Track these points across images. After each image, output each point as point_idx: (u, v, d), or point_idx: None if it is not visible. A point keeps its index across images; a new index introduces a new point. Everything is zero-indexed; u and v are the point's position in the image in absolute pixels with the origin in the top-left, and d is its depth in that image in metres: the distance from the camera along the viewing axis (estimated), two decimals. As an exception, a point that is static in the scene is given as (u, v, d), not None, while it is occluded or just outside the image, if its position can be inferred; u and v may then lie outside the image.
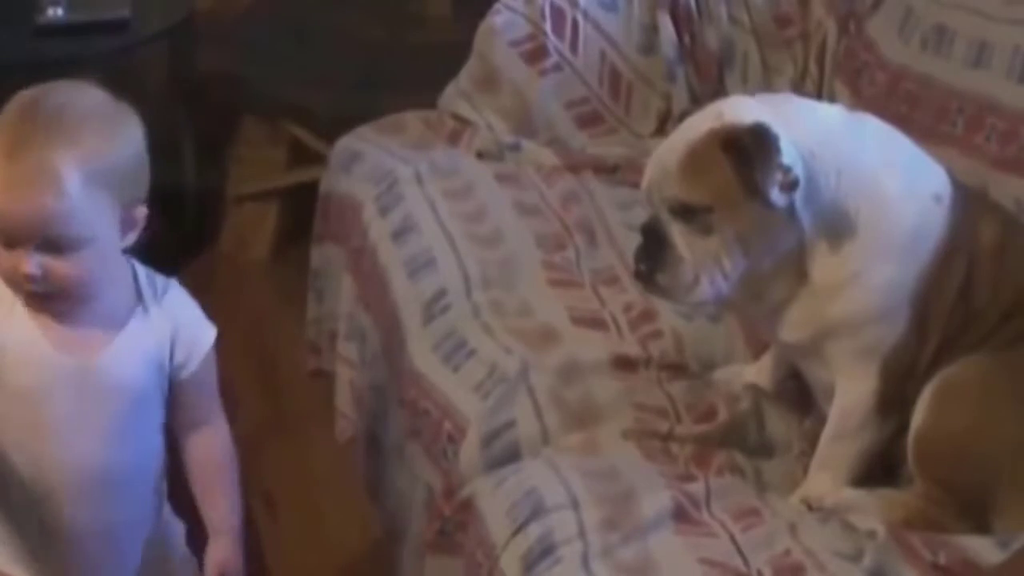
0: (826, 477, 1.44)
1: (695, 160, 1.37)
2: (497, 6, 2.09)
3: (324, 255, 2.08)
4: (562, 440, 1.49)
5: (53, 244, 1.26)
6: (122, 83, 2.72)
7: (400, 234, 1.86)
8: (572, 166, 2.01)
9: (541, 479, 1.41)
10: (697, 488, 1.40)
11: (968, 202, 1.45)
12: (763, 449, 1.52)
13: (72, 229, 1.25)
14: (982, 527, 1.37)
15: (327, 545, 1.97)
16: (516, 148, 2.04)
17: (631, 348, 1.60)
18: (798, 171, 1.35)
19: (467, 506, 1.47)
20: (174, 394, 1.39)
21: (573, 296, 1.70)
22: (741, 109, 1.41)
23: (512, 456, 1.49)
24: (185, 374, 1.39)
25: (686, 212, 1.37)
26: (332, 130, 2.19)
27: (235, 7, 2.72)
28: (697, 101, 2.12)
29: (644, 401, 1.53)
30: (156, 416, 1.40)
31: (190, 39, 2.60)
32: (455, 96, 2.12)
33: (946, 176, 1.46)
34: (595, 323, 1.65)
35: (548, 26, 2.07)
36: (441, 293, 1.73)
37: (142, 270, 1.38)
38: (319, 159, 2.31)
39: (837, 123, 1.43)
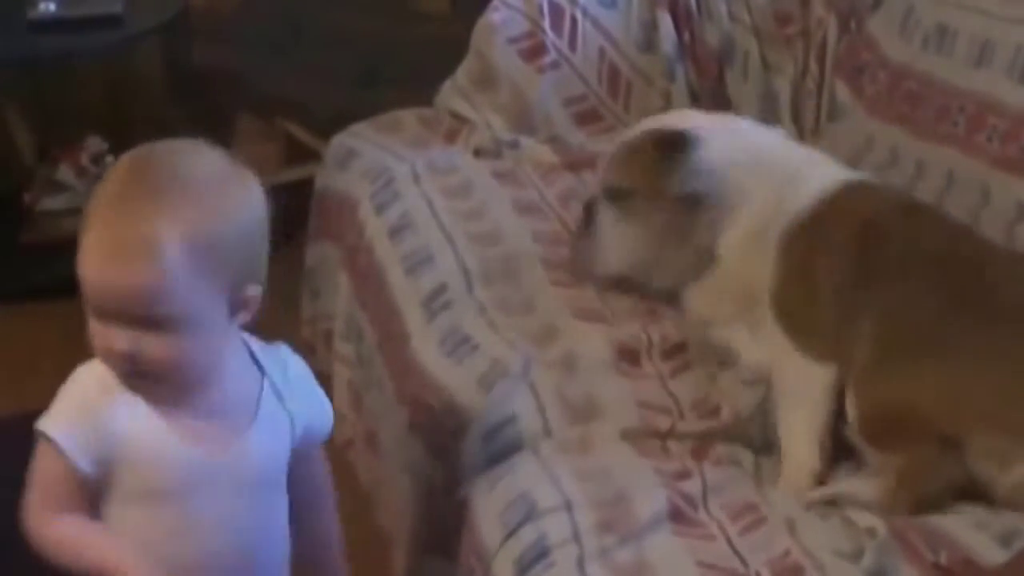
0: (800, 452, 1.46)
1: (628, 152, 1.64)
2: (495, 3, 2.08)
3: (319, 253, 2.07)
4: (562, 436, 1.49)
5: (148, 322, 1.14)
6: (115, 79, 2.74)
7: (397, 231, 1.85)
8: (571, 164, 2.00)
9: (533, 481, 1.41)
10: (693, 486, 1.40)
11: (861, 191, 1.59)
12: (767, 447, 1.51)
13: (168, 308, 1.14)
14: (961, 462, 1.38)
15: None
16: (514, 146, 2.04)
17: (632, 340, 1.60)
18: (712, 173, 1.57)
19: (460, 508, 1.46)
20: None
21: (573, 294, 1.70)
22: (683, 118, 1.68)
23: (514, 452, 1.48)
24: (328, 429, 1.36)
25: (614, 195, 1.62)
26: (328, 127, 2.19)
27: (230, 2, 2.71)
28: (697, 99, 2.12)
29: (647, 399, 1.53)
30: (286, 498, 1.32)
31: (184, 34, 2.60)
32: (453, 93, 2.12)
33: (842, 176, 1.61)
34: (597, 318, 1.65)
35: (547, 23, 2.07)
36: (441, 289, 1.72)
37: (255, 344, 1.28)
38: (314, 156, 2.30)
39: (768, 141, 1.65)
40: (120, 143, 2.65)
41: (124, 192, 1.16)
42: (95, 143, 2.65)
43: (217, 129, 2.72)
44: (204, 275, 1.15)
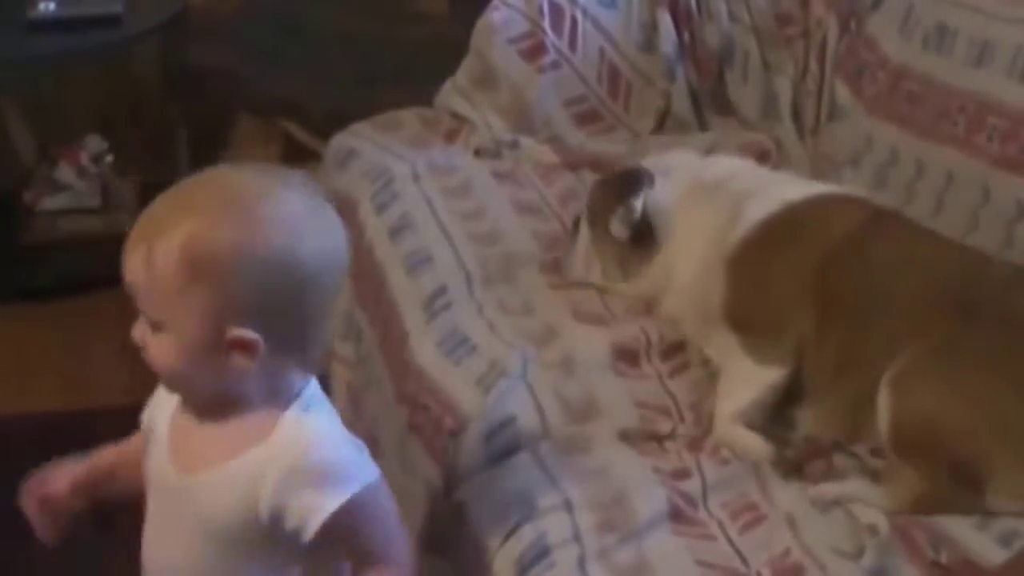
0: (721, 427, 1.49)
1: (602, 182, 1.78)
2: (495, 3, 2.08)
3: (319, 253, 2.07)
4: (561, 436, 1.49)
5: (146, 318, 1.14)
6: (114, 79, 2.74)
7: (397, 231, 1.85)
8: (570, 164, 2.01)
9: (532, 481, 1.41)
10: (693, 485, 1.40)
11: (816, 207, 1.62)
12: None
13: (153, 308, 1.12)
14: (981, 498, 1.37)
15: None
16: (514, 146, 2.04)
17: (631, 341, 1.60)
18: (661, 212, 1.68)
19: (460, 509, 1.46)
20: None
21: (572, 296, 1.70)
22: (657, 159, 1.77)
23: (513, 452, 1.48)
24: (306, 539, 1.16)
25: (588, 217, 1.74)
26: (327, 127, 2.19)
27: (229, 3, 2.71)
28: (697, 100, 2.12)
29: (645, 399, 1.54)
30: (260, 564, 1.19)
31: (183, 35, 2.59)
32: (452, 93, 2.12)
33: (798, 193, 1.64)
34: (595, 320, 1.65)
35: (547, 23, 2.07)
36: (441, 290, 1.72)
37: (306, 399, 1.19)
38: (314, 156, 2.30)
39: (724, 175, 1.70)
40: (120, 143, 2.66)
41: (172, 192, 1.15)
42: (95, 143, 2.65)
43: (217, 129, 2.72)
44: (198, 291, 1.11)
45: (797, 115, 2.12)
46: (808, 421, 1.52)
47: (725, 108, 2.16)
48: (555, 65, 2.07)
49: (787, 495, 1.40)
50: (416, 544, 1.59)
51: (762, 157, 2.01)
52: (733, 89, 2.15)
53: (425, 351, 1.64)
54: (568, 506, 1.36)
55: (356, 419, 1.86)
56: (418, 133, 2.07)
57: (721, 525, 1.35)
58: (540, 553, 1.31)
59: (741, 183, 1.68)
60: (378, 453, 1.76)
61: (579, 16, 2.09)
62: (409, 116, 2.11)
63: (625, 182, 1.71)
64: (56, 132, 2.67)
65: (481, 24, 2.09)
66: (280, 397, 1.17)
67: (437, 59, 2.18)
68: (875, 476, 1.43)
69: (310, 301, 1.15)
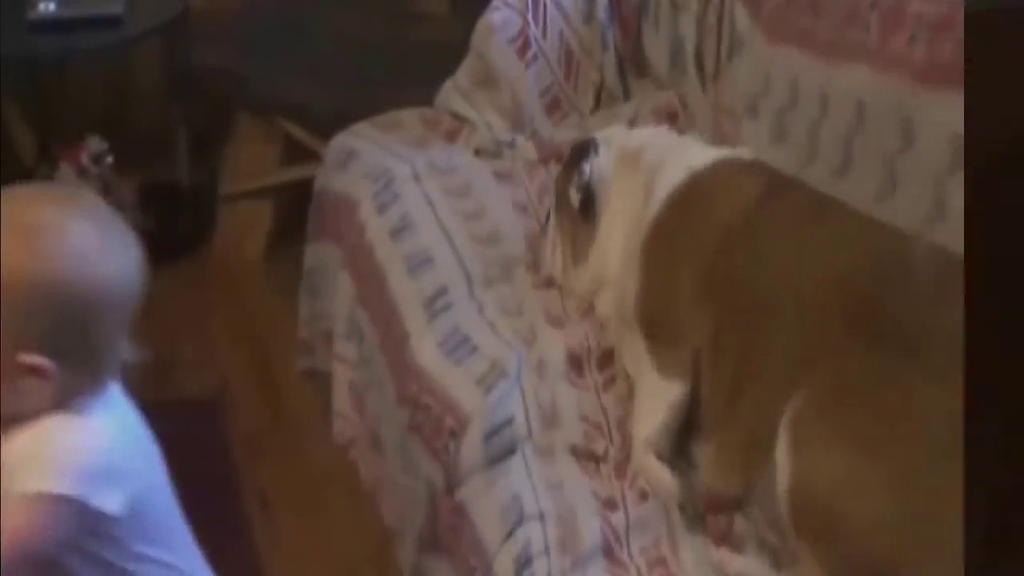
0: (637, 456, 1.41)
1: (565, 164, 1.66)
2: (495, 3, 2.08)
3: (319, 253, 2.07)
4: (537, 442, 1.48)
5: None
6: (115, 79, 2.73)
7: (398, 232, 1.84)
8: (544, 158, 1.99)
9: (521, 485, 1.42)
10: (619, 519, 1.37)
11: (709, 182, 1.41)
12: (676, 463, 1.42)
13: None
14: None
15: (322, 545, 1.96)
16: (513, 146, 2.03)
17: (578, 347, 1.59)
18: (595, 179, 1.57)
19: (460, 509, 1.46)
20: None
21: (546, 295, 1.69)
22: (598, 133, 1.68)
23: (512, 452, 1.49)
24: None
25: (555, 202, 1.68)
26: (327, 127, 2.18)
27: (230, 3, 2.71)
28: (622, 64, 2.04)
29: (587, 412, 1.51)
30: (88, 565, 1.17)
31: (184, 35, 2.59)
32: (453, 93, 2.11)
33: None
34: (558, 323, 1.65)
35: (530, 15, 2.05)
36: (442, 291, 1.72)
37: (82, 405, 1.17)
38: (314, 156, 2.30)
39: (649, 141, 1.58)
40: (120, 143, 2.66)
41: None
42: (95, 143, 2.65)
43: (217, 129, 2.72)
44: None
45: (700, 61, 1.88)
46: (706, 458, 1.32)
47: (643, 69, 2.06)
48: (535, 58, 2.04)
49: (692, 555, 1.29)
50: (416, 543, 1.60)
51: (671, 119, 1.86)
52: (648, 43, 2.04)
53: (426, 351, 1.64)
54: (541, 516, 1.37)
55: (360, 418, 1.86)
56: (418, 133, 2.07)
57: (640, 573, 1.30)
58: (527, 559, 1.33)
59: (654, 152, 1.52)
60: (380, 452, 1.77)
61: (548, 1, 2.05)
62: (409, 116, 2.11)
63: (575, 151, 1.64)
64: (57, 132, 2.67)
65: (481, 24, 2.08)
66: (63, 407, 1.17)
67: (437, 59, 2.17)
68: (775, 555, 1.19)
69: (101, 326, 1.15)
